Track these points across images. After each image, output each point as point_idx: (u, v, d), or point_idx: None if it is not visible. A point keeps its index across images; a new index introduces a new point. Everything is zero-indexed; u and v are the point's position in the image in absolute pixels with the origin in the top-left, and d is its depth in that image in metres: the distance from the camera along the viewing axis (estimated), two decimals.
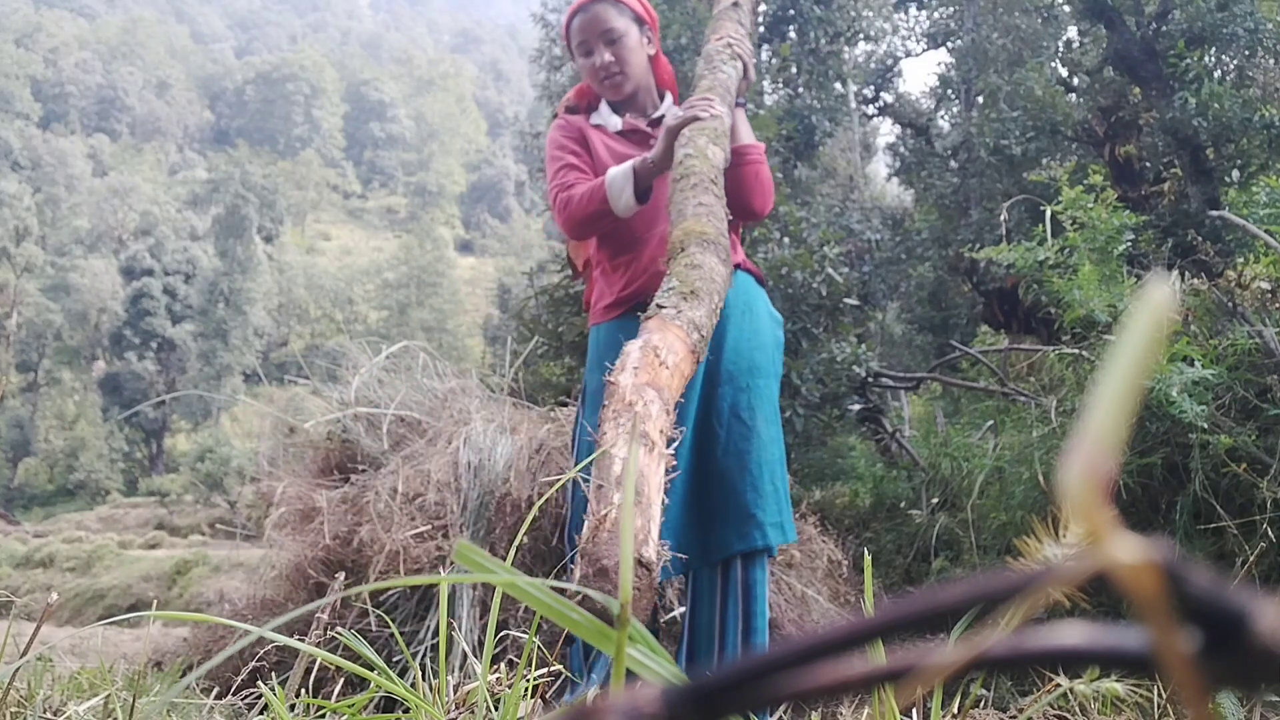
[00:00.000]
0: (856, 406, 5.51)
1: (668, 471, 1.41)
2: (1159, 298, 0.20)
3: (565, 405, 3.40)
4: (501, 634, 0.98)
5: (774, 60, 9.06)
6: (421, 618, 2.56)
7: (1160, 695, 1.07)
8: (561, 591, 0.43)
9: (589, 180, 2.06)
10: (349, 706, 0.82)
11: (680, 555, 1.86)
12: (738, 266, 2.06)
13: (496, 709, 0.72)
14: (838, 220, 8.56)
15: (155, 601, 2.85)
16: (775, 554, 2.08)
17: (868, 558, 0.73)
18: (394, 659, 2.35)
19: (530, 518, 0.79)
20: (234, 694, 1.35)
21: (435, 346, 3.98)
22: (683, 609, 2.53)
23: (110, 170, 55.75)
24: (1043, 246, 3.16)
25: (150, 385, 36.82)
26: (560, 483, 0.95)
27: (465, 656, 2.01)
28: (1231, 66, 6.95)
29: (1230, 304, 2.55)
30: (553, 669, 0.99)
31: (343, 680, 2.00)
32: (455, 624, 2.43)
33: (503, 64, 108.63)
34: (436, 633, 1.39)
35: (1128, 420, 0.19)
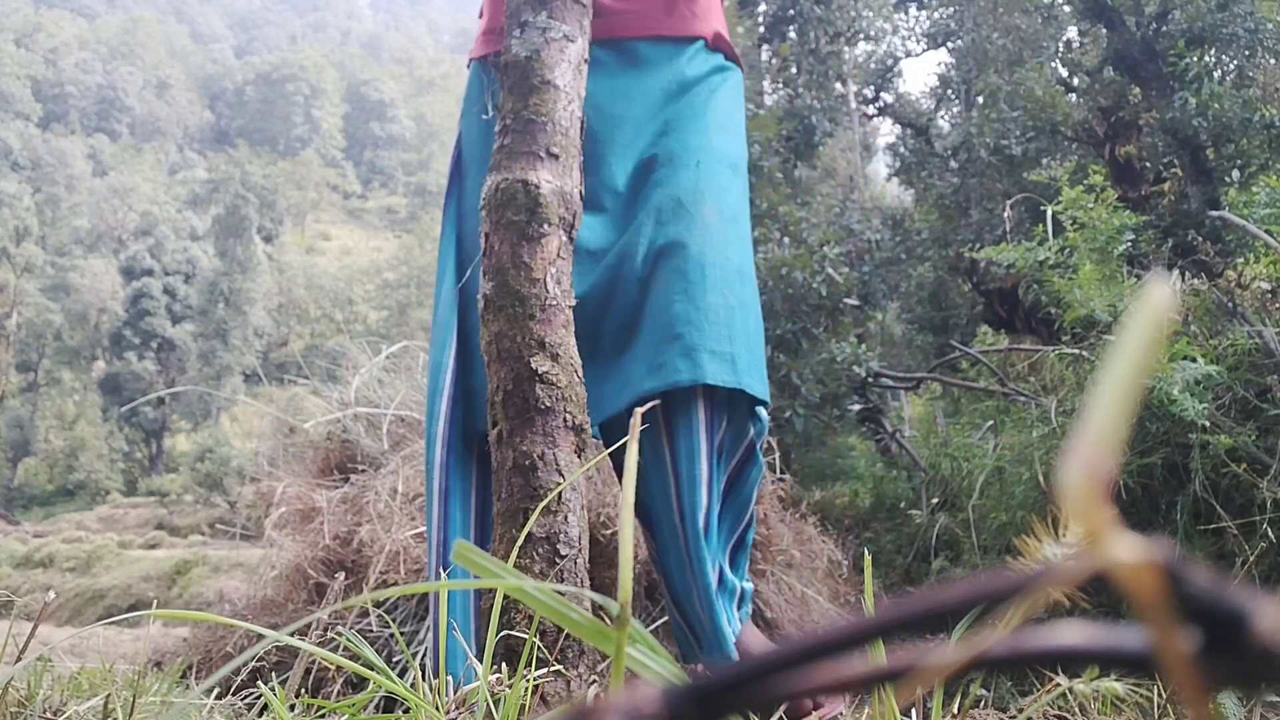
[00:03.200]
0: (856, 406, 5.51)
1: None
2: (1159, 298, 0.20)
3: None
4: (502, 634, 0.99)
5: (774, 60, 9.06)
6: (422, 618, 2.56)
7: (1160, 695, 1.07)
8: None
9: None
10: (349, 706, 0.82)
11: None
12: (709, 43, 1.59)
13: (497, 709, 0.72)
14: (838, 220, 8.56)
15: (155, 601, 2.85)
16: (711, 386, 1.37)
17: (868, 558, 0.73)
18: (394, 659, 2.35)
19: (531, 518, 0.79)
20: (234, 694, 1.35)
21: None
22: None
23: (110, 170, 55.73)
24: (1043, 246, 3.16)
25: (150, 385, 36.81)
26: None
27: (465, 656, 2.01)
28: (1232, 66, 6.95)
29: (1230, 304, 2.55)
30: (553, 669, 0.98)
31: (342, 680, 2.00)
32: (455, 624, 2.43)
33: None
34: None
35: (1128, 420, 0.19)
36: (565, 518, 1.08)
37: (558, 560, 1.06)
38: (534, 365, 1.13)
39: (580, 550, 1.08)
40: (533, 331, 1.15)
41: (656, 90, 1.53)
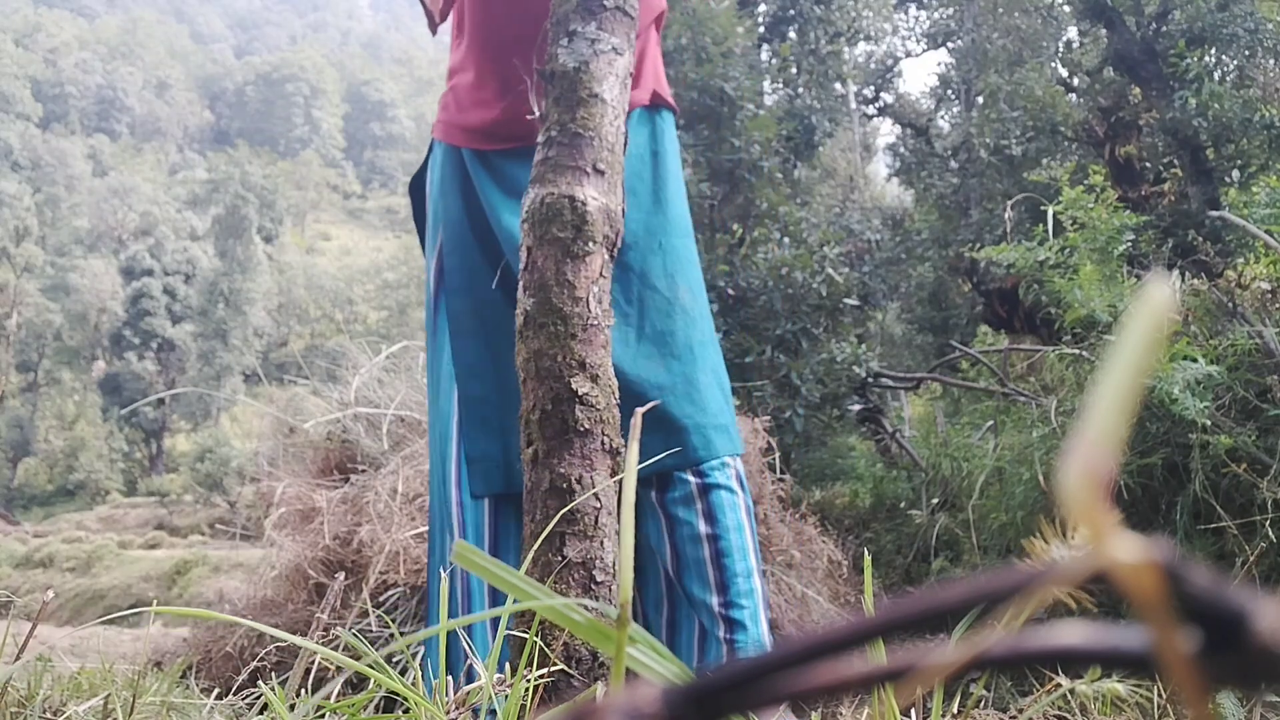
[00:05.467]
0: (856, 407, 5.51)
1: None
2: (1159, 298, 0.20)
3: None
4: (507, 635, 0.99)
5: (774, 60, 9.06)
6: (422, 618, 2.56)
7: (1161, 695, 1.07)
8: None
9: None
10: (349, 706, 0.82)
11: None
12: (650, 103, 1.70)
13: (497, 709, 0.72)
14: (838, 220, 8.56)
15: (155, 601, 2.85)
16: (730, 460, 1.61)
17: (868, 558, 0.73)
18: (394, 659, 2.35)
19: (550, 520, 0.79)
20: (234, 694, 1.35)
21: None
22: None
23: (110, 170, 55.75)
24: (1043, 246, 3.16)
25: (150, 385, 36.83)
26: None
27: (466, 656, 2.01)
28: (1232, 66, 6.95)
29: (1230, 304, 2.55)
30: (554, 669, 0.98)
31: (342, 680, 2.00)
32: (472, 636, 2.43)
33: None
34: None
35: (1128, 420, 0.19)
36: (601, 543, 1.06)
37: (593, 586, 1.03)
38: (574, 386, 1.11)
39: (614, 576, 1.06)
40: (574, 351, 1.12)
41: None
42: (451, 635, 1.32)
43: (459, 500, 1.56)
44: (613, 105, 1.25)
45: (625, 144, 1.30)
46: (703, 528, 1.53)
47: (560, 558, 1.02)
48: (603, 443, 1.12)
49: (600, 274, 1.18)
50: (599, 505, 1.07)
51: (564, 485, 1.08)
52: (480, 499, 1.54)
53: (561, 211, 1.17)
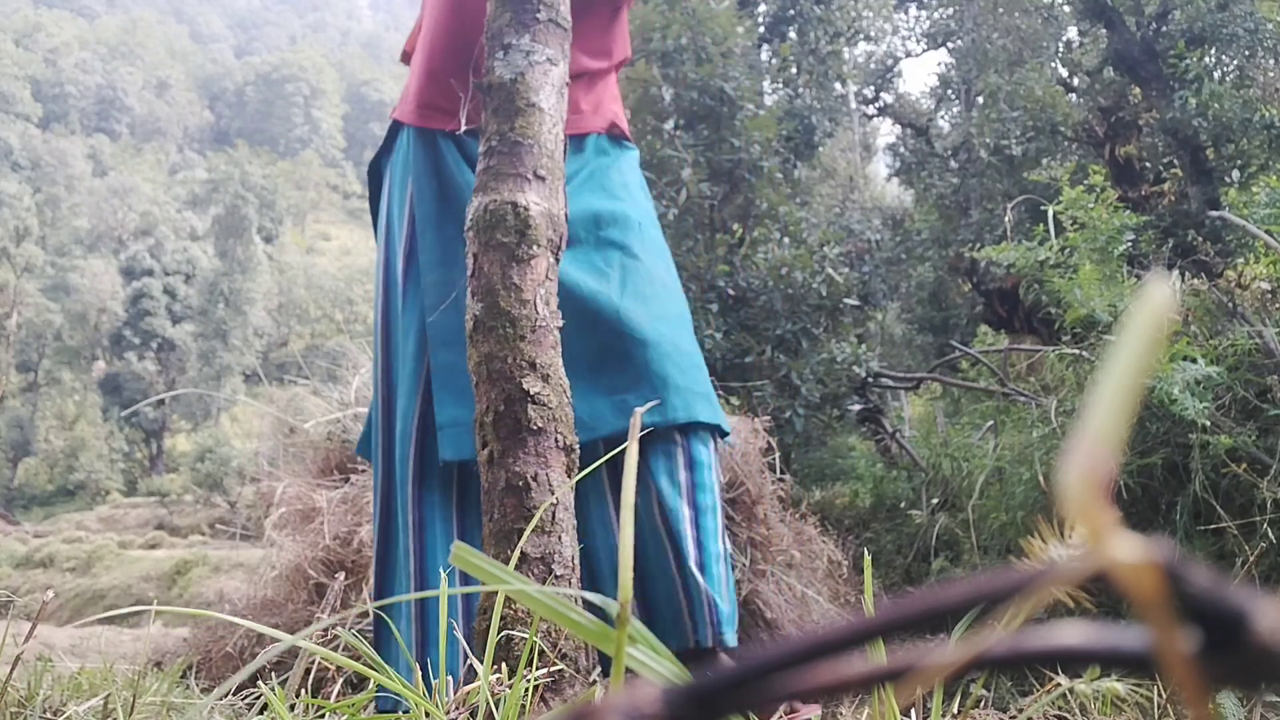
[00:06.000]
0: (856, 407, 5.51)
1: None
2: (1159, 298, 0.20)
3: None
4: (502, 634, 0.99)
5: (774, 60, 9.06)
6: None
7: (1161, 695, 1.07)
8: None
9: None
10: (349, 706, 0.82)
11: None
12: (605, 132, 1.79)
13: (497, 709, 0.72)
14: (838, 220, 8.56)
15: (155, 601, 2.85)
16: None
17: (868, 558, 0.73)
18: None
19: (536, 518, 0.79)
20: (234, 694, 1.35)
21: None
22: None
23: (110, 170, 55.75)
24: (1043, 246, 3.16)
25: (150, 385, 36.82)
26: None
27: (465, 656, 2.01)
28: (1232, 66, 6.95)
29: (1230, 304, 2.55)
30: (554, 669, 0.99)
31: (342, 680, 2.00)
32: (455, 624, 2.43)
33: None
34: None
35: (1128, 420, 0.19)
36: (559, 538, 1.08)
37: (552, 580, 1.07)
38: (525, 386, 1.14)
39: (574, 570, 1.08)
40: (523, 352, 1.15)
41: (573, 178, 1.71)
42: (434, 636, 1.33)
43: (415, 497, 1.57)
44: (550, 114, 1.28)
45: (565, 151, 1.33)
46: (685, 509, 1.54)
47: (519, 554, 1.04)
48: (556, 440, 1.14)
49: (546, 276, 1.21)
50: (555, 501, 1.09)
51: (519, 483, 1.10)
52: (451, 464, 1.53)
53: (505, 218, 1.20)
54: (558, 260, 1.25)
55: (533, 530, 1.06)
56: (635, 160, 1.85)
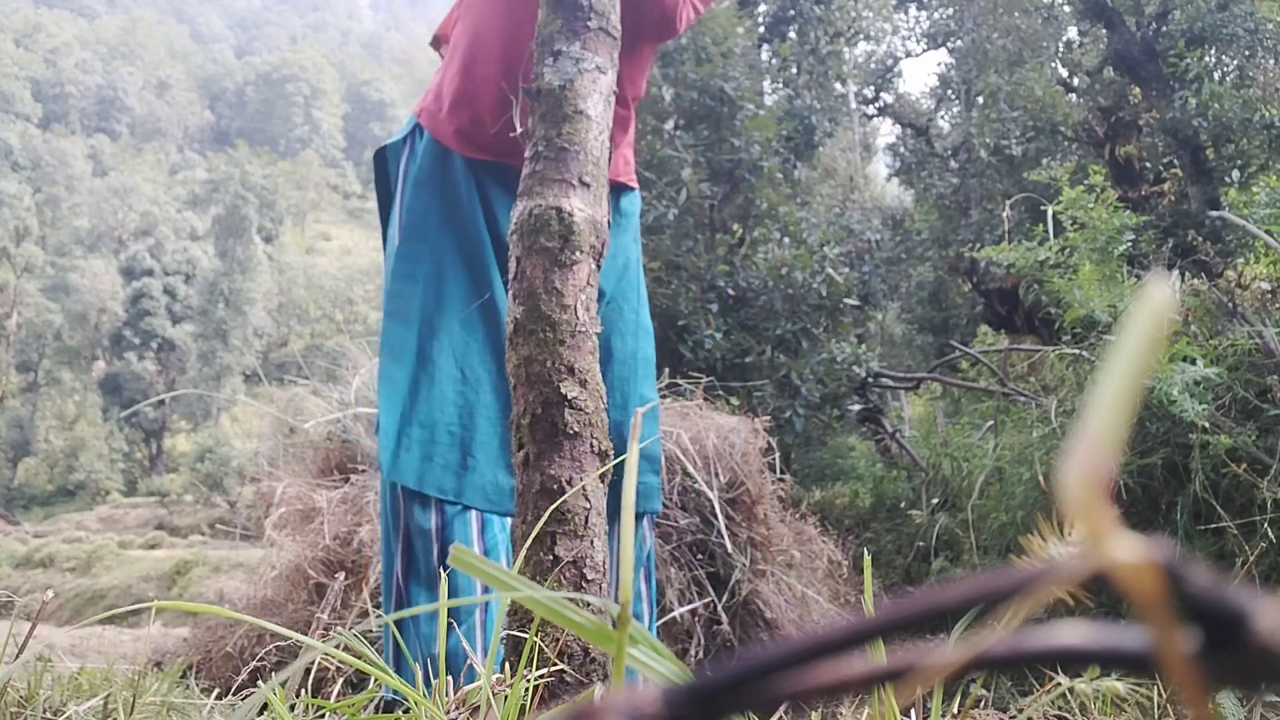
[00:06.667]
0: (856, 406, 5.51)
1: None
2: (1159, 298, 0.20)
3: None
4: (501, 634, 1.00)
5: (774, 60, 9.06)
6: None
7: (1161, 695, 1.07)
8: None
9: None
10: (349, 706, 0.82)
11: None
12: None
13: (524, 710, 0.72)
14: (838, 220, 8.56)
15: (155, 601, 2.85)
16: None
17: (868, 558, 0.73)
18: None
19: (540, 520, 0.79)
20: (234, 694, 1.35)
21: None
22: (683, 609, 2.53)
23: (110, 170, 55.76)
24: (1043, 246, 3.16)
25: (150, 385, 36.84)
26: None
27: (466, 656, 2.01)
28: (1232, 66, 6.95)
29: (1230, 304, 2.55)
30: (554, 669, 0.99)
31: (342, 680, 2.00)
32: (455, 624, 2.43)
33: None
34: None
35: (1128, 420, 0.19)
36: (591, 542, 1.09)
37: (584, 584, 1.08)
38: (563, 390, 1.15)
39: (604, 574, 1.10)
40: (562, 357, 1.17)
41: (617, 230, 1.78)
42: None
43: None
44: (596, 121, 1.29)
45: (610, 158, 1.33)
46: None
47: (551, 557, 1.04)
48: (591, 445, 1.15)
49: (587, 282, 1.22)
50: (588, 505, 1.10)
51: (554, 487, 1.11)
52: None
53: (549, 222, 1.21)
54: (599, 267, 1.27)
55: (566, 534, 1.07)
56: (637, 210, 1.88)
